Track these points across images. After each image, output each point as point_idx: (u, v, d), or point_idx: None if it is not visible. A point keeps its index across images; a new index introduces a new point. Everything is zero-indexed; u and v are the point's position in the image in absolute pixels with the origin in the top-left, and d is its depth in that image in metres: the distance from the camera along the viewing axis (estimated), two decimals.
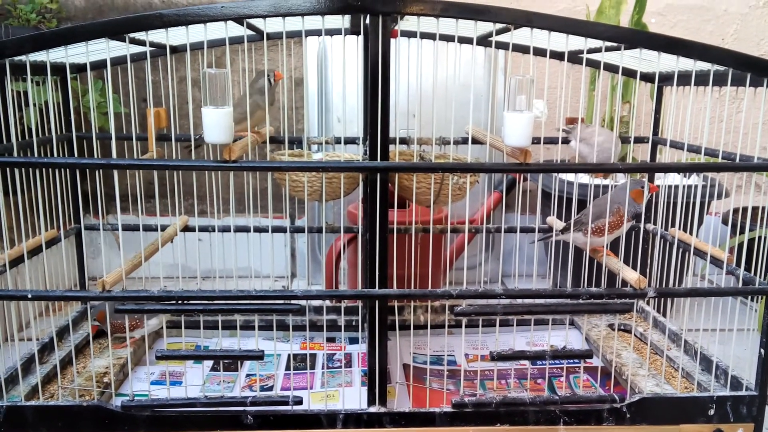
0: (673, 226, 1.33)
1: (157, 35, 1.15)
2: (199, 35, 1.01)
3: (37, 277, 1.16)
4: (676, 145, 1.34)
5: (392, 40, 0.95)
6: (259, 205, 1.97)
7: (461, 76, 1.17)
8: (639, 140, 1.47)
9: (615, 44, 0.97)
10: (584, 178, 1.77)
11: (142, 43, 1.12)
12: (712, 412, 1.08)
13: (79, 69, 1.35)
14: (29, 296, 0.98)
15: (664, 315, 1.67)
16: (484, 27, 1.15)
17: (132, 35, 0.95)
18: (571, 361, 1.36)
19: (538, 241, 1.20)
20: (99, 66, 1.30)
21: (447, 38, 1.22)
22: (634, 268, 1.13)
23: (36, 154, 1.02)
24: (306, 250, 2.03)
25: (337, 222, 1.76)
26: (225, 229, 1.40)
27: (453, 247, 1.73)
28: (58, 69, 1.27)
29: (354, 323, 1.51)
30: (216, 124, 0.93)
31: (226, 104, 0.93)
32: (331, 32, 1.30)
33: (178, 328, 1.47)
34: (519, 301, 1.09)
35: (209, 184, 1.34)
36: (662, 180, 1.52)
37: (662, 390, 1.18)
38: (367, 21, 0.93)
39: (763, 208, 1.56)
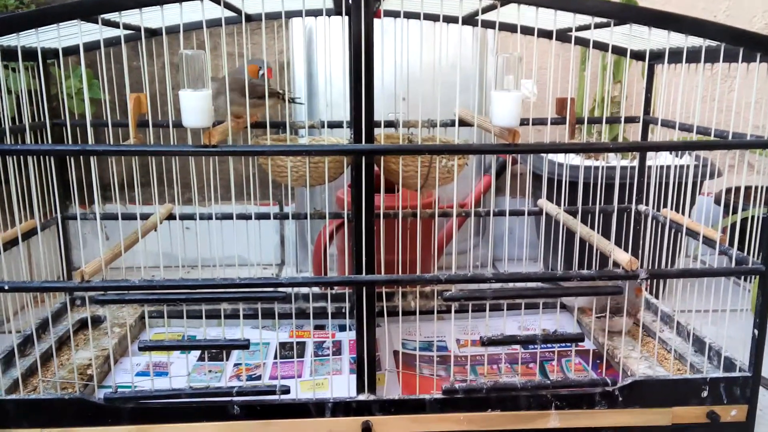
0: (665, 206, 1.31)
1: (134, 17, 1.11)
2: (177, 17, 0.98)
3: (19, 268, 1.13)
4: (668, 124, 1.31)
5: (376, 20, 0.93)
6: (248, 192, 1.94)
7: (449, 57, 1.14)
8: (630, 120, 1.45)
9: (604, 20, 0.94)
10: (575, 159, 1.75)
11: (117, 25, 1.08)
12: (705, 394, 1.07)
13: (58, 54, 1.31)
14: (6, 287, 0.96)
15: (657, 297, 1.65)
16: (471, 5, 1.13)
17: (105, 17, 0.92)
18: (563, 344, 1.34)
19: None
20: (77, 51, 1.26)
21: (433, 18, 1.19)
22: (626, 249, 1.12)
23: (11, 142, 0.99)
24: (295, 237, 2.00)
25: (325, 208, 1.73)
26: (211, 217, 1.37)
27: (443, 232, 1.71)
28: (36, 54, 1.24)
29: (343, 310, 1.49)
30: (194, 108, 0.90)
31: (205, 87, 0.90)
32: (314, 13, 1.26)
33: (164, 317, 1.44)
34: (509, 285, 1.07)
35: (194, 171, 1.31)
36: (654, 160, 1.50)
37: (655, 372, 1.17)
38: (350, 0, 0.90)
39: (756, 188, 1.54)
